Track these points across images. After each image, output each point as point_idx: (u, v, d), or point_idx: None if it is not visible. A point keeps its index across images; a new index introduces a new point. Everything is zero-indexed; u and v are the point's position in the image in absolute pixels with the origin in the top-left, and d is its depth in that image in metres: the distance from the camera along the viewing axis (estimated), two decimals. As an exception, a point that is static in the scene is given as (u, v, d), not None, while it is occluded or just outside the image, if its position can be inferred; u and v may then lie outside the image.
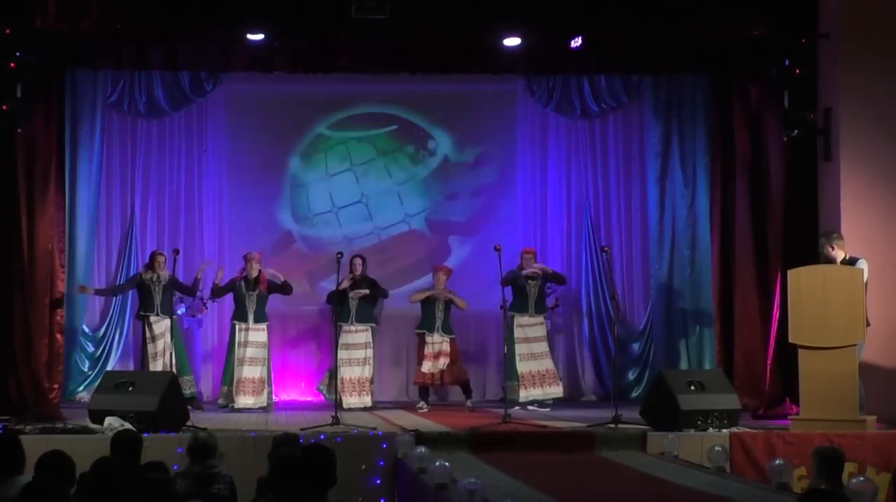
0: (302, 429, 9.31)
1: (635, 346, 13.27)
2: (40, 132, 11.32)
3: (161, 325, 11.57)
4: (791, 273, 9.97)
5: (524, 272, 11.86)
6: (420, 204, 13.63)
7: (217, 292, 11.89)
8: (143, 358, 11.71)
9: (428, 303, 12.01)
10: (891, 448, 9.32)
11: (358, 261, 12.08)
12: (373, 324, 12.10)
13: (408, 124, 13.60)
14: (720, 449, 8.38)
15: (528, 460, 8.63)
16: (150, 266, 11.79)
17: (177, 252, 11.55)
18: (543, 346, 11.91)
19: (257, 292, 11.69)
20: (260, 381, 11.55)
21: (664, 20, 11.14)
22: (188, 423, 9.71)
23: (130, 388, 9.80)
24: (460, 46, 11.90)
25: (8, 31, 10.82)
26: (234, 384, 11.50)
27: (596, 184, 13.46)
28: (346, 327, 11.82)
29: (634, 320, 13.33)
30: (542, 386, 11.79)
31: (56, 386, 11.22)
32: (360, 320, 11.93)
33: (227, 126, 13.35)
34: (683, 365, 12.82)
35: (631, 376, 13.13)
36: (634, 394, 12.81)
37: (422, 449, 8.03)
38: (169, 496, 5.31)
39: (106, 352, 12.87)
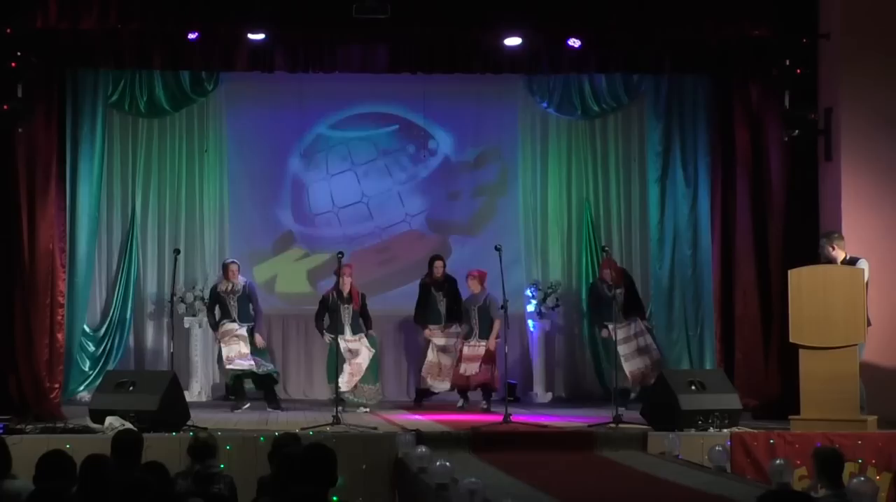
0: (302, 429, 9.31)
1: (636, 346, 13.26)
2: (41, 132, 11.31)
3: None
4: (791, 273, 9.97)
5: None
6: (421, 204, 13.62)
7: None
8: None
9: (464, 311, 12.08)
10: (891, 448, 9.32)
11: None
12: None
13: (408, 124, 13.59)
14: (721, 448, 8.39)
15: (528, 460, 8.64)
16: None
17: (177, 252, 11.55)
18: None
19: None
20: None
21: (665, 20, 11.13)
22: (188, 423, 9.71)
23: (131, 388, 9.80)
24: (461, 46, 11.90)
25: (9, 31, 10.82)
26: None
27: (596, 184, 13.46)
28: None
29: (635, 320, 13.31)
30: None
31: (57, 385, 11.21)
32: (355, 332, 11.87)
33: (227, 126, 13.35)
34: (684, 364, 12.81)
35: (631, 376, 13.11)
36: (634, 394, 12.79)
37: (422, 448, 8.04)
38: (168, 496, 5.31)
39: (107, 351, 12.87)
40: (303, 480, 5.12)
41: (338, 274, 11.23)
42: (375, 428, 9.72)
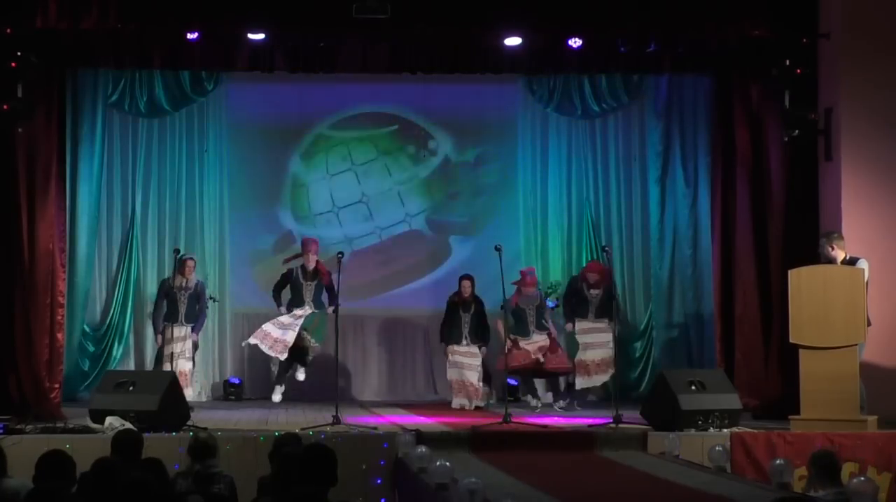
0: (302, 429, 9.31)
1: (636, 346, 13.27)
2: (41, 132, 11.30)
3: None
4: (791, 273, 9.97)
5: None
6: (421, 204, 13.62)
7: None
8: None
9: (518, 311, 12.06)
10: (891, 448, 9.32)
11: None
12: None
13: (408, 124, 13.59)
14: (721, 448, 8.39)
15: (528, 460, 8.63)
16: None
17: (177, 252, 11.55)
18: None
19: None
20: None
21: (665, 20, 11.13)
22: (188, 423, 9.71)
23: (131, 388, 9.79)
24: (461, 46, 11.90)
25: (9, 31, 10.82)
26: None
27: (596, 184, 13.46)
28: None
29: (635, 320, 13.32)
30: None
31: (57, 385, 11.20)
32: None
33: (227, 126, 13.34)
34: (684, 365, 12.81)
35: (631, 376, 13.12)
36: (634, 394, 12.79)
37: (422, 448, 8.03)
38: (167, 494, 5.32)
39: (106, 351, 12.87)
40: (303, 480, 5.12)
41: (304, 249, 11.74)
42: (375, 428, 9.72)
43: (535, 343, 11.91)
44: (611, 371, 11.80)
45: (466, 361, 11.98)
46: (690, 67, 12.40)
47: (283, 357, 11.78)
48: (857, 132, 10.96)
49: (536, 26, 11.35)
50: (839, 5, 11.04)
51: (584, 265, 12.69)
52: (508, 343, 11.70)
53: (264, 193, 13.48)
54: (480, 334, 12.08)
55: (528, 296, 12.06)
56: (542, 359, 11.81)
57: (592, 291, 12.17)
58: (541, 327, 12.01)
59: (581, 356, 12.06)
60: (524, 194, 13.53)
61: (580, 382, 12.10)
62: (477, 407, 11.82)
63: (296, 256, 12.08)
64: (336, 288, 10.75)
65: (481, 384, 11.99)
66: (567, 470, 8.50)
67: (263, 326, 11.82)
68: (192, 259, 12.02)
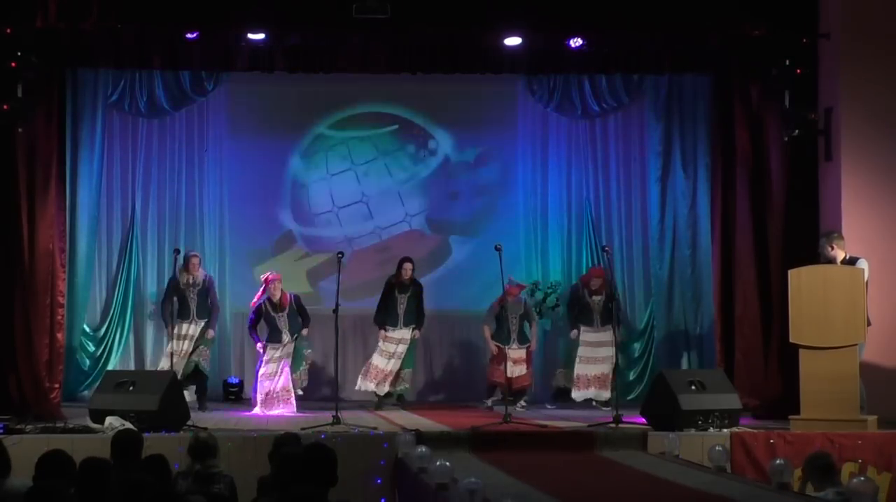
0: (302, 429, 9.31)
1: (636, 346, 13.26)
2: (41, 132, 11.31)
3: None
4: (791, 273, 9.97)
5: None
6: (421, 203, 13.62)
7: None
8: None
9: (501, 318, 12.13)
10: (891, 448, 9.32)
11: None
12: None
13: (408, 124, 13.59)
14: (721, 448, 8.38)
15: (528, 460, 8.63)
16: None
17: (177, 252, 11.55)
18: None
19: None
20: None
21: (665, 20, 11.13)
22: (188, 423, 9.71)
23: (131, 388, 9.80)
24: (461, 46, 11.90)
25: (8, 31, 10.82)
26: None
27: (596, 184, 13.45)
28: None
29: (635, 320, 13.32)
30: None
31: (57, 385, 11.21)
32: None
33: (227, 126, 13.34)
34: (684, 364, 12.81)
35: (631, 376, 13.12)
36: (634, 394, 12.79)
37: (422, 448, 8.03)
38: (169, 494, 5.32)
39: (107, 351, 12.87)
40: (303, 480, 5.13)
41: (266, 285, 11.67)
42: (375, 428, 9.72)
43: (513, 353, 11.98)
44: (608, 389, 11.93)
45: (392, 348, 12.01)
46: (690, 67, 12.40)
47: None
48: (857, 132, 10.96)
49: (536, 26, 11.36)
50: (839, 5, 11.04)
51: (585, 272, 12.69)
52: (494, 349, 11.99)
53: (264, 193, 13.47)
54: (416, 319, 12.10)
55: (512, 303, 12.08)
56: (513, 376, 11.86)
57: (595, 297, 12.23)
58: (522, 340, 12.08)
59: (580, 370, 12.12)
60: (524, 194, 13.53)
61: (577, 394, 12.17)
62: (388, 395, 11.97)
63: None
64: (337, 287, 10.74)
65: (403, 370, 12.03)
66: (567, 470, 8.49)
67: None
68: (195, 255, 12.01)
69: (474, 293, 12.70)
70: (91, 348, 12.84)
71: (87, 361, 12.80)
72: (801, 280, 9.84)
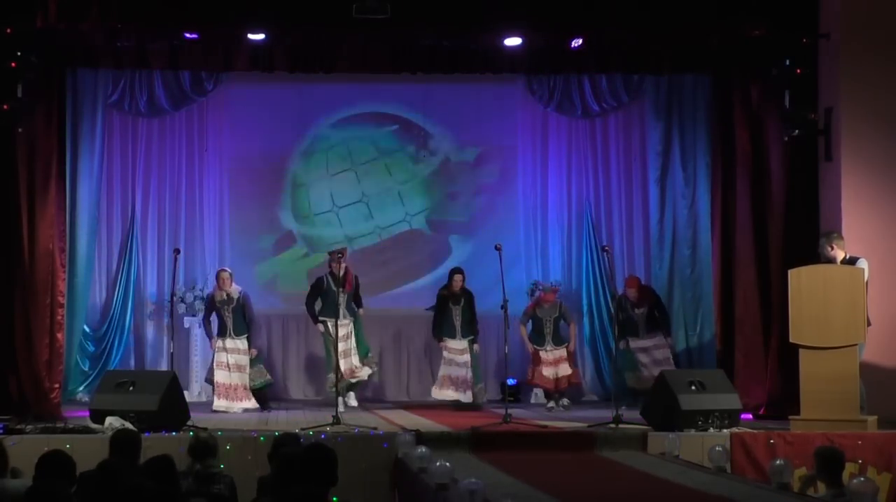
0: (302, 429, 9.31)
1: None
2: (41, 131, 11.31)
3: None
4: (791, 273, 9.97)
5: None
6: (421, 203, 13.63)
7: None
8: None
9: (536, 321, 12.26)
10: (891, 448, 9.32)
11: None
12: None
13: (408, 124, 13.59)
14: (721, 449, 8.38)
15: (528, 460, 8.63)
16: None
17: (177, 252, 11.55)
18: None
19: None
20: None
21: (665, 20, 11.13)
22: (188, 423, 9.71)
23: (131, 388, 9.79)
24: (461, 46, 11.90)
25: (9, 31, 10.81)
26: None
27: (596, 184, 13.46)
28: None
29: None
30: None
31: (56, 385, 11.21)
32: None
33: (227, 125, 13.35)
34: (684, 365, 12.81)
35: (631, 376, 13.11)
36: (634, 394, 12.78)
37: (422, 448, 8.03)
38: (176, 495, 5.32)
39: (107, 351, 12.87)
40: (303, 480, 5.12)
41: (334, 260, 11.42)
42: (375, 428, 9.72)
43: (552, 355, 12.08)
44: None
45: (459, 358, 12.02)
46: (690, 67, 12.41)
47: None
48: (857, 132, 10.95)
49: (536, 26, 11.36)
50: (839, 5, 11.04)
51: (625, 284, 12.64)
52: (531, 348, 12.14)
53: (264, 193, 13.48)
54: (472, 327, 12.12)
55: (545, 307, 12.19)
56: (558, 376, 12.01)
57: (637, 310, 12.32)
58: (558, 341, 12.15)
59: (646, 373, 12.12)
60: (524, 194, 13.53)
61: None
62: (470, 404, 11.87)
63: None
64: (338, 287, 10.74)
65: (472, 378, 12.01)
66: (567, 470, 8.49)
67: None
68: (224, 270, 11.98)
69: (474, 293, 12.67)
70: (91, 348, 12.84)
71: (87, 361, 12.80)
72: (801, 280, 9.84)
